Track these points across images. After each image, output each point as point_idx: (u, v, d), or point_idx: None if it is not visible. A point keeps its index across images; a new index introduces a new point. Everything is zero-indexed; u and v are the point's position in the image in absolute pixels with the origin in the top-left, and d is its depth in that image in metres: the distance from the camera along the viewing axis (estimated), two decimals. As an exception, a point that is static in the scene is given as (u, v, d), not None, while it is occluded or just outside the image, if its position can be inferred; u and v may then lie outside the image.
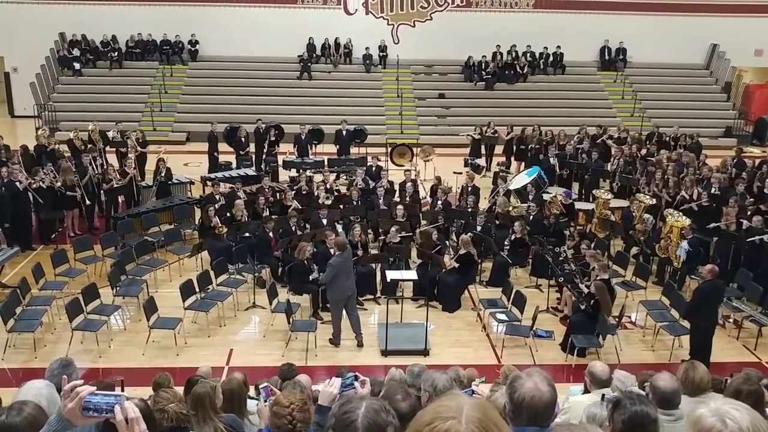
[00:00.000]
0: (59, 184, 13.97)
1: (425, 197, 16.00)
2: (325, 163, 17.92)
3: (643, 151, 18.37)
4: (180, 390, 5.68)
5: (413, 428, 1.74)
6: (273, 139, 18.64)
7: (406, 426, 1.84)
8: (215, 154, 18.63)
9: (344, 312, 10.43)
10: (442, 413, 1.70)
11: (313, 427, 3.69)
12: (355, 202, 14.51)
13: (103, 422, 2.24)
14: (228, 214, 13.41)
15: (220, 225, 13.09)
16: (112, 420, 2.15)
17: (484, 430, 1.67)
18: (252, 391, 6.12)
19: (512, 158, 19.84)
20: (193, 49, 26.27)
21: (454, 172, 17.79)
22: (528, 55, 26.68)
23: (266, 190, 14.60)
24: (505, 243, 13.05)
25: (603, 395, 4.14)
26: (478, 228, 13.34)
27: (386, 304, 10.63)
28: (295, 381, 5.56)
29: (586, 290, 10.41)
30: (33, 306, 10.55)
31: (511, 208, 14.62)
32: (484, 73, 26.09)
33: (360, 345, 10.48)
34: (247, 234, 12.83)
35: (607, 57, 27.23)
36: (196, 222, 14.47)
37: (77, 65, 25.20)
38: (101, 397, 2.16)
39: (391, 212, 13.86)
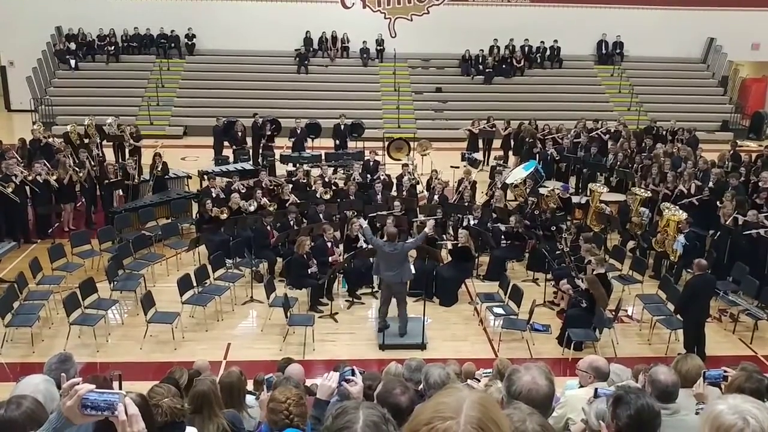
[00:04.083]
0: (54, 177, 13.95)
1: (422, 191, 16.00)
2: (323, 157, 17.91)
3: (634, 143, 18.40)
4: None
5: (412, 425, 1.72)
6: (269, 133, 18.64)
7: (405, 419, 1.82)
8: (221, 148, 18.87)
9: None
10: (441, 412, 1.67)
11: (310, 421, 3.71)
12: (352, 197, 14.51)
13: (100, 420, 2.23)
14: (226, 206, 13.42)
15: (219, 210, 13.09)
16: (111, 418, 2.15)
17: (481, 430, 1.65)
18: (250, 386, 6.13)
19: (510, 152, 19.92)
20: (189, 43, 26.19)
21: (452, 166, 17.80)
22: (525, 48, 26.67)
23: (263, 184, 14.62)
24: (501, 237, 13.10)
25: (596, 390, 4.12)
26: (473, 222, 13.35)
27: (384, 299, 10.67)
28: (287, 377, 5.56)
29: (583, 286, 10.42)
30: (30, 300, 10.53)
31: (512, 188, 14.73)
32: (482, 66, 26.07)
33: (380, 330, 10.43)
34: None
35: (604, 51, 27.20)
36: (194, 216, 14.47)
37: (73, 61, 25.11)
38: (99, 394, 2.16)
39: (388, 206, 13.87)
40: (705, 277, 10.11)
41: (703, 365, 4.80)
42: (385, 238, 10.48)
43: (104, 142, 17.75)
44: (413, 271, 10.77)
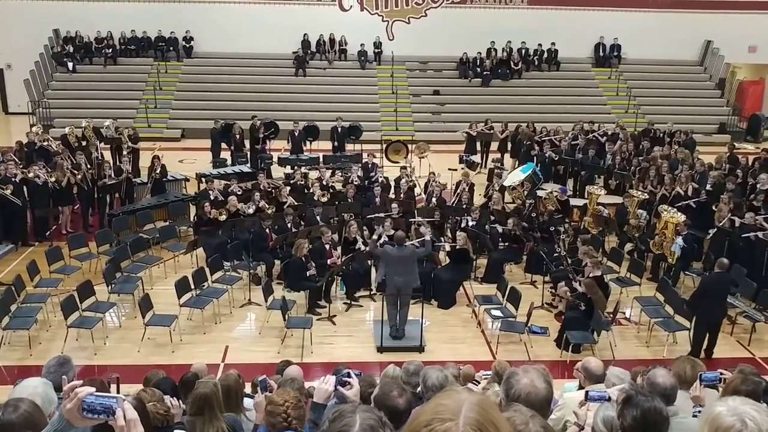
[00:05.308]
0: (53, 179, 13.93)
1: (420, 194, 16.02)
2: (321, 159, 17.92)
3: (631, 146, 18.43)
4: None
5: (412, 427, 1.72)
6: (262, 135, 18.65)
7: (403, 422, 1.82)
8: (219, 150, 18.97)
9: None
10: (441, 414, 1.67)
11: (308, 424, 3.70)
12: (350, 199, 14.51)
13: (100, 423, 2.22)
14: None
15: (218, 211, 13.09)
16: (111, 422, 2.14)
17: None
18: (248, 389, 6.11)
19: (506, 155, 19.94)
20: (187, 45, 26.21)
21: (449, 169, 17.81)
22: (523, 51, 26.71)
23: (261, 186, 14.63)
24: (499, 239, 13.11)
25: (587, 392, 4.10)
26: (471, 224, 13.36)
27: (381, 301, 10.66)
28: (292, 378, 5.56)
29: (581, 289, 10.42)
30: (28, 303, 10.51)
31: (509, 190, 15.06)
32: (479, 69, 26.11)
33: (393, 336, 10.38)
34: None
35: (601, 53, 27.28)
36: (192, 219, 14.45)
37: (70, 64, 25.10)
38: (98, 398, 2.15)
39: (386, 209, 13.87)
40: (721, 276, 10.13)
41: (703, 367, 4.79)
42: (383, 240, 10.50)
43: (101, 145, 17.72)
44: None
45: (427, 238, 11.02)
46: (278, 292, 11.38)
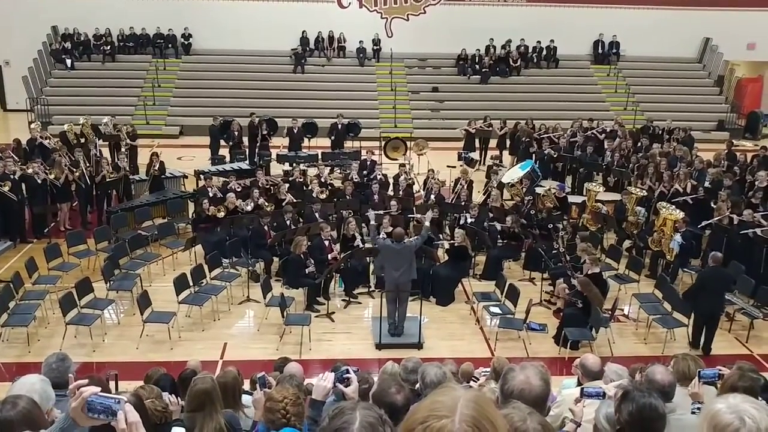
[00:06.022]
0: (52, 176, 13.92)
1: (419, 191, 16.01)
2: (319, 156, 17.91)
3: (630, 143, 18.43)
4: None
5: (407, 424, 1.72)
6: (264, 133, 18.64)
7: (401, 418, 1.82)
8: (217, 147, 18.98)
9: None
10: (437, 411, 1.67)
11: (307, 421, 3.71)
12: (349, 196, 14.51)
13: (102, 423, 2.22)
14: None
15: (216, 208, 13.09)
16: (113, 424, 2.14)
17: (477, 429, 1.65)
18: (247, 385, 6.12)
19: (505, 152, 19.94)
20: (186, 42, 26.16)
21: (448, 166, 17.80)
22: (521, 48, 26.69)
23: (260, 183, 14.62)
24: (498, 236, 13.12)
25: (582, 389, 4.10)
26: (470, 221, 13.36)
27: (380, 298, 10.66)
28: (291, 375, 5.56)
29: (579, 287, 10.42)
30: (26, 300, 10.51)
31: (508, 187, 15.14)
32: (478, 66, 26.09)
33: (392, 333, 10.42)
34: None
35: (600, 51, 27.26)
36: (190, 216, 14.45)
37: (69, 61, 25.06)
38: (97, 397, 2.14)
39: (385, 206, 13.87)
40: (717, 270, 10.17)
41: (703, 364, 4.79)
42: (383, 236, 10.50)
43: (100, 142, 17.69)
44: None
45: (426, 223, 11.04)
46: (277, 289, 11.39)
